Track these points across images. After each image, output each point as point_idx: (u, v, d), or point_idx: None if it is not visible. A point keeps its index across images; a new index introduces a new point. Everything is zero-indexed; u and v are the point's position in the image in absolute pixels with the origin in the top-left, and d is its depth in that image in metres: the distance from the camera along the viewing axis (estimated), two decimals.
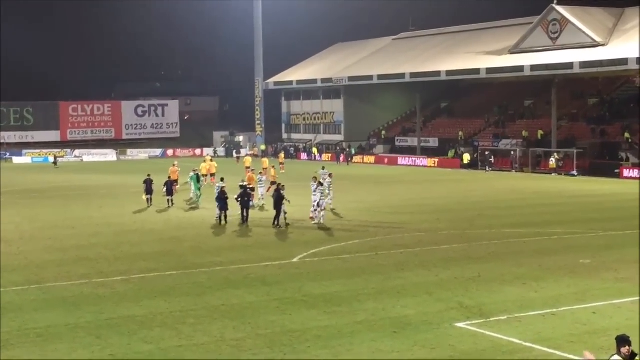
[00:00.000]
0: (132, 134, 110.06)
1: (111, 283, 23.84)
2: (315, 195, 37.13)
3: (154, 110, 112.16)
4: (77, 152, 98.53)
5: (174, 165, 51.83)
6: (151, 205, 44.16)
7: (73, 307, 20.70)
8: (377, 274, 24.79)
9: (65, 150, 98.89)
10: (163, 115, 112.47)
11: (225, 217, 36.74)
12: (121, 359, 16.39)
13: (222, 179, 39.86)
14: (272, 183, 45.73)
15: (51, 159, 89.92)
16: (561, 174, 67.31)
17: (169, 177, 45.97)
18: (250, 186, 39.95)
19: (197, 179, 45.51)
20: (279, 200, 35.58)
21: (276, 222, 35.56)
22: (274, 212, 35.87)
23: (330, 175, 43.91)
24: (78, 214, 41.47)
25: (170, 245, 31.15)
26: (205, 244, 31.28)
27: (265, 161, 64.50)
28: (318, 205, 36.90)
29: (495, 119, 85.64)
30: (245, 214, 36.88)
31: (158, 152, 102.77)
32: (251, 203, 39.06)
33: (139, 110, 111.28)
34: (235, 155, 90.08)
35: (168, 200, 44.16)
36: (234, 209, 37.26)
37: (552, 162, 69.23)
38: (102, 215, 41.07)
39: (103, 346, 17.23)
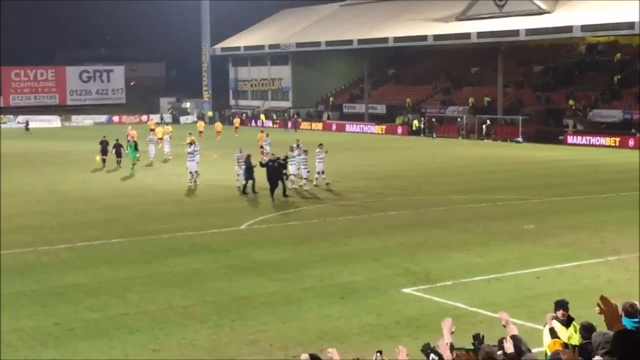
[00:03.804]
0: (77, 100, 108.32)
1: (56, 251, 23.57)
2: (319, 163, 37.74)
3: (99, 76, 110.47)
4: (20, 118, 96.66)
5: (131, 128, 55.71)
6: (104, 166, 46.15)
7: (17, 276, 20.42)
8: (324, 241, 24.86)
9: (7, 116, 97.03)
10: (108, 81, 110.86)
11: (253, 186, 34.82)
12: (67, 327, 16.22)
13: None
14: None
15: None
16: (506, 141, 68.05)
17: (117, 140, 47.74)
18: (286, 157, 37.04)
19: (135, 146, 45.51)
20: (274, 172, 33.71)
21: (272, 195, 33.46)
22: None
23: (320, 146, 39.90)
24: (20, 182, 40.83)
25: (116, 212, 30.86)
26: (151, 212, 31.03)
27: (219, 125, 72.03)
28: (322, 172, 37.76)
29: (443, 85, 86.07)
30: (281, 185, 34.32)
31: (103, 118, 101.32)
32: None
33: (84, 76, 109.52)
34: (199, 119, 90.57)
35: (117, 161, 46.46)
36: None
37: (484, 128, 70.10)
38: (46, 182, 40.52)
39: (48, 314, 17.06)
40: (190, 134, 50.12)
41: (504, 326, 9.03)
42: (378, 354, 8.88)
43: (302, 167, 37.96)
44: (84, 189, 38.00)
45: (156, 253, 23.20)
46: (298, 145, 39.15)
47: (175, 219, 29.07)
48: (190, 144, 39.50)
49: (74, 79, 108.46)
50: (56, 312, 17.19)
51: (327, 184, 37.79)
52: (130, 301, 18.05)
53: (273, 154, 36.55)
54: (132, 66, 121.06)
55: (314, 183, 37.76)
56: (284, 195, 34.14)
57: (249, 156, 35.74)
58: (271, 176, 33.64)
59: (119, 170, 45.06)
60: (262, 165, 34.59)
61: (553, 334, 10.50)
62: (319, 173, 38.02)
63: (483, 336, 8.93)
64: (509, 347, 8.38)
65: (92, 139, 53.94)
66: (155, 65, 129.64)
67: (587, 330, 9.80)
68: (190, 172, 38.18)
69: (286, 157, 36.14)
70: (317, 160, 38.09)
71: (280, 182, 34.02)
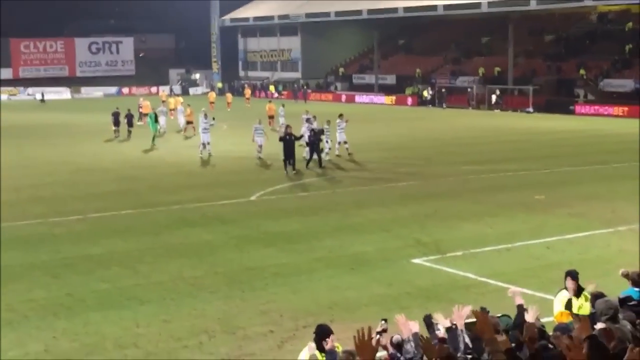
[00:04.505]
0: (87, 72, 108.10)
1: (68, 222, 23.67)
2: (340, 133, 38.29)
3: (108, 48, 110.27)
4: (30, 89, 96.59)
5: (143, 99, 57.68)
6: (118, 136, 47.12)
7: (29, 247, 20.54)
8: (335, 212, 24.89)
9: (18, 88, 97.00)
10: (118, 53, 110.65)
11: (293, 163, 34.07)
12: (78, 297, 16.33)
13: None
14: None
15: (4, 96, 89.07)
16: (516, 111, 67.78)
17: (129, 110, 48.88)
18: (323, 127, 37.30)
19: (155, 118, 45.47)
20: (289, 145, 33.23)
21: (291, 166, 33.25)
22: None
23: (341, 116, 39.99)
24: (32, 153, 40.95)
25: (127, 184, 30.94)
26: (162, 183, 31.10)
27: (230, 96, 72.79)
28: (345, 142, 38.35)
29: (453, 56, 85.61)
30: (314, 157, 34.73)
31: (113, 90, 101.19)
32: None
33: (93, 47, 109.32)
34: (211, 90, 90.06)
35: (129, 131, 47.50)
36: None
37: (493, 99, 69.76)
38: (57, 154, 40.62)
39: (60, 285, 17.16)
40: (189, 105, 50.73)
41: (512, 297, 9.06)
42: (383, 322, 8.96)
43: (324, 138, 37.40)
44: (96, 160, 38.09)
45: (167, 224, 23.27)
46: (314, 117, 39.45)
47: (186, 190, 29.12)
48: (206, 116, 39.41)
49: (83, 51, 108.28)
50: (68, 283, 17.30)
51: (337, 155, 37.85)
52: (141, 272, 18.14)
53: (289, 126, 36.27)
54: (141, 37, 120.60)
55: (337, 153, 38.12)
56: (321, 166, 34.56)
57: (287, 127, 35.59)
58: (286, 150, 33.50)
59: (130, 142, 45.28)
60: (280, 139, 34.40)
61: (568, 305, 10.47)
62: (345, 142, 38.50)
63: (488, 311, 9.00)
64: (532, 316, 8.42)
65: (103, 110, 54.12)
66: (164, 36, 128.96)
67: (596, 299, 9.85)
68: (203, 144, 38.24)
69: (322, 131, 36.33)
70: (338, 131, 38.49)
71: (315, 153, 34.63)
